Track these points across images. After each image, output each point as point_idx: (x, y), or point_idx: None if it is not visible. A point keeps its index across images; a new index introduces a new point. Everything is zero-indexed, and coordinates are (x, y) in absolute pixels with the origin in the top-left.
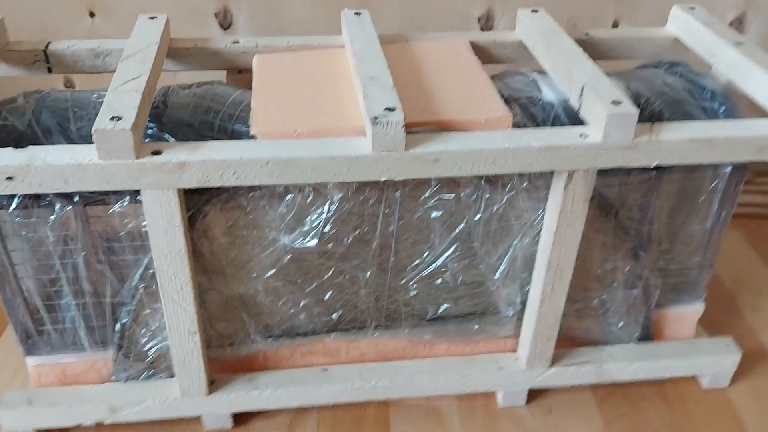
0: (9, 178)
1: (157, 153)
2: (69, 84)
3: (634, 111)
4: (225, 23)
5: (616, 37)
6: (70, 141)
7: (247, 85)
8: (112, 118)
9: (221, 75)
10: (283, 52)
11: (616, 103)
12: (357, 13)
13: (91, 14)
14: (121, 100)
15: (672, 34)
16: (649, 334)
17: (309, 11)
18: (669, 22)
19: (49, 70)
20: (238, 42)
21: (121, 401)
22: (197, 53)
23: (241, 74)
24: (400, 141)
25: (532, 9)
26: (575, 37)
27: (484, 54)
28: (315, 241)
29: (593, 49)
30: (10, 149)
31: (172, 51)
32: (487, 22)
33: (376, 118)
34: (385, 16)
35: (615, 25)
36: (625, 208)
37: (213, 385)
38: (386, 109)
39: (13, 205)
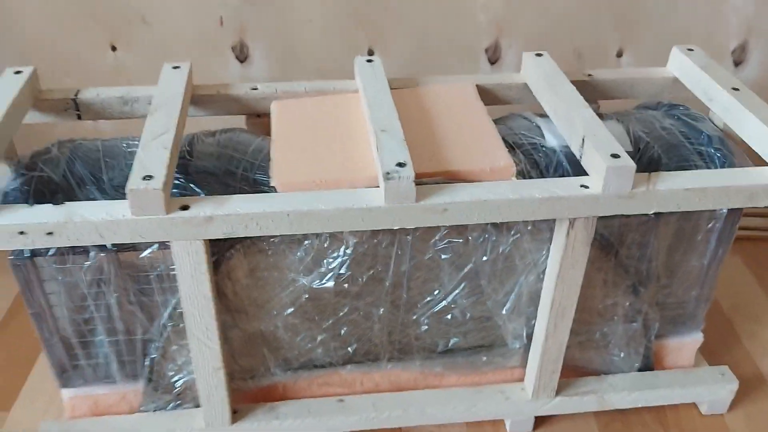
0: (49, 233)
1: (185, 208)
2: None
3: (631, 164)
4: (242, 56)
5: (618, 78)
6: (103, 191)
7: (266, 130)
8: (144, 178)
9: (241, 118)
10: (299, 97)
11: (615, 156)
12: (369, 60)
13: (113, 48)
14: (152, 158)
15: (672, 74)
16: (649, 363)
17: (321, 44)
18: (669, 61)
19: (79, 117)
20: (257, 88)
21: (150, 431)
22: (219, 99)
23: (260, 118)
24: (410, 193)
25: (536, 53)
26: (578, 78)
27: (490, 95)
28: (332, 282)
29: (595, 89)
30: (49, 206)
31: (196, 98)
32: (494, 53)
33: (388, 173)
34: (396, 48)
35: (619, 54)
36: (624, 247)
37: (236, 414)
38: (398, 164)
39: (51, 252)
